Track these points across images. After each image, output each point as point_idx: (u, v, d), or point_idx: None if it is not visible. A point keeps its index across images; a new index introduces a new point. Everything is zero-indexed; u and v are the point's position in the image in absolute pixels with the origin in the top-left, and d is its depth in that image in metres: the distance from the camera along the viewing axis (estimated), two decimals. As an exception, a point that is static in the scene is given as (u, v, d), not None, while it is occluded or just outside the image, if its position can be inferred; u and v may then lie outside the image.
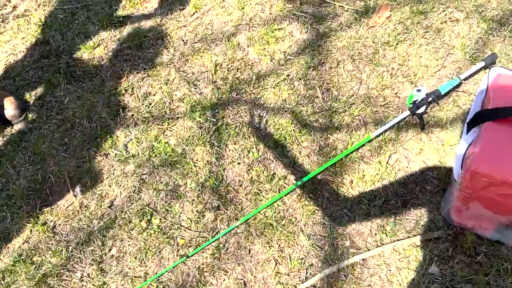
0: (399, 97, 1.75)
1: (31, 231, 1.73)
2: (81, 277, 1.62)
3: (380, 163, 1.63)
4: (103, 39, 2.20)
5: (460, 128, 1.62)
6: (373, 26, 1.92)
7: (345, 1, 2.02)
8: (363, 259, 1.48)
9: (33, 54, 2.22)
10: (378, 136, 1.65)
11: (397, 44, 1.85)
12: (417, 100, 1.61)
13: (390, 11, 1.91)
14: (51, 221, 1.74)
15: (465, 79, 1.67)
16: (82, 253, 1.66)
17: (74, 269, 1.63)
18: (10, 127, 2.00)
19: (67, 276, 1.62)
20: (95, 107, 1.98)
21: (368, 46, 1.88)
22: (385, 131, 1.65)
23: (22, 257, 1.67)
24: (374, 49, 1.86)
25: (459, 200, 1.32)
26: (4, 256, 1.69)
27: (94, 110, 1.97)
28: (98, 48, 2.17)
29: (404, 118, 1.64)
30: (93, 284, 1.59)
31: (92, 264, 1.63)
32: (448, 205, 1.43)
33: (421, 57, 1.81)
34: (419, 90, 1.62)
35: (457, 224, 1.43)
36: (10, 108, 1.95)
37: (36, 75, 2.15)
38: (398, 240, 1.49)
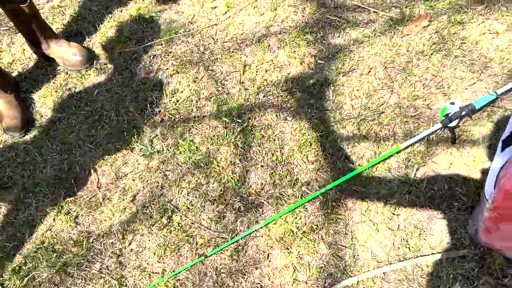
0: (430, 109, 1.70)
1: (54, 219, 1.76)
2: (100, 268, 1.63)
3: (407, 175, 1.59)
4: (135, 34, 2.21)
5: (494, 145, 1.56)
6: (407, 34, 1.87)
7: (380, 7, 1.98)
8: (384, 273, 1.45)
9: (66, 45, 2.25)
10: (407, 147, 1.62)
11: (431, 54, 1.80)
12: (450, 113, 1.56)
13: (429, 20, 1.86)
14: (74, 211, 1.76)
15: (502, 94, 1.61)
16: (102, 245, 1.68)
17: (94, 260, 1.65)
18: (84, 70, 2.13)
19: (86, 267, 1.64)
20: (123, 100, 2.00)
21: (401, 55, 1.83)
22: (415, 142, 1.61)
23: (44, 245, 1.70)
24: (407, 57, 1.82)
25: (489, 219, 1.28)
26: (27, 243, 1.73)
27: (122, 103, 1.99)
28: (130, 42, 2.18)
29: (435, 131, 1.60)
30: (111, 277, 1.61)
31: (112, 257, 1.65)
32: (476, 224, 1.39)
33: (456, 68, 1.76)
34: (452, 103, 1.58)
35: (484, 244, 1.39)
36: (78, 54, 2.09)
37: (67, 66, 2.18)
38: (421, 255, 1.45)
